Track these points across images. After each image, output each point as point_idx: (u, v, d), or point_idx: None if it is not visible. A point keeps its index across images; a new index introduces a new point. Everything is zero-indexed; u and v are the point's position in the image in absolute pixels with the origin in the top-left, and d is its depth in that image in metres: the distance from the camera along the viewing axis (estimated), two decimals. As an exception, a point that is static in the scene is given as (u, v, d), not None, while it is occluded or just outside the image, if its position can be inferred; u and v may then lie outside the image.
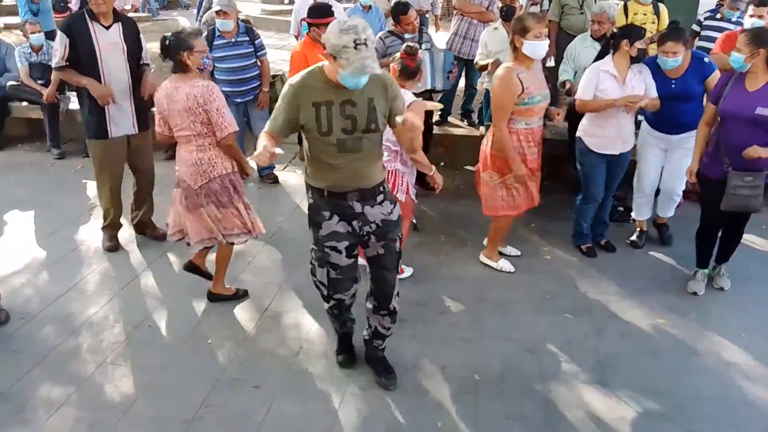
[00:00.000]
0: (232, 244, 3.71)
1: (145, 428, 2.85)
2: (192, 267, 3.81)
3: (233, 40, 5.20)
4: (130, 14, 8.39)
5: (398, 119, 2.54)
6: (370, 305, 3.04)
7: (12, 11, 9.93)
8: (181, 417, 2.90)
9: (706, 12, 5.69)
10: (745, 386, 3.15)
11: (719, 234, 3.92)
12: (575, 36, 5.91)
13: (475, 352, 3.37)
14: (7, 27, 10.45)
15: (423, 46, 4.83)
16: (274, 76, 5.81)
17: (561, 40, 6.09)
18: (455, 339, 3.49)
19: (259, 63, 5.29)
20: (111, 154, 4.25)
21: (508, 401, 3.02)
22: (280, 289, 3.95)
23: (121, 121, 4.18)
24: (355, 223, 2.80)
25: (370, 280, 2.99)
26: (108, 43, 4.02)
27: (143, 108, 4.25)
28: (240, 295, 3.84)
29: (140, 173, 4.44)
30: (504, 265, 4.21)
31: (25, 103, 6.45)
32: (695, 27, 5.70)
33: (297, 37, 6.55)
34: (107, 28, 4.01)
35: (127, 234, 4.62)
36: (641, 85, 4.01)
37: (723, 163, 3.57)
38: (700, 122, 3.79)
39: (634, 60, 3.99)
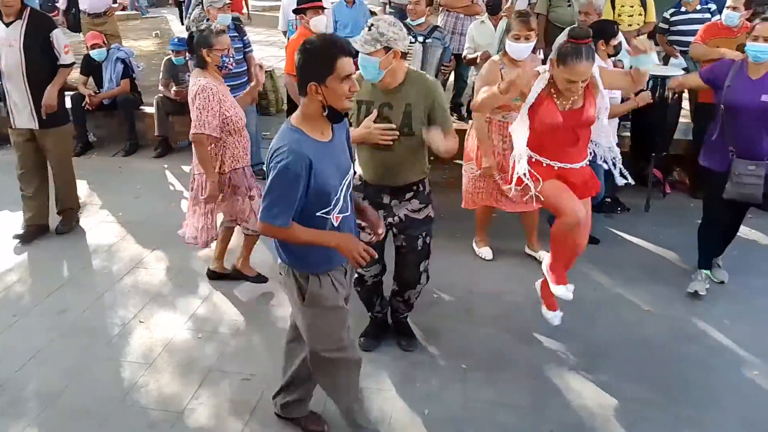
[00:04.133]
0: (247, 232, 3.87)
1: (138, 419, 2.87)
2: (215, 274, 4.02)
3: (224, 36, 5.22)
4: (118, 12, 8.33)
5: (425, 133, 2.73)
6: (393, 287, 3.26)
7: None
8: (173, 408, 2.93)
9: (670, 8, 5.71)
10: (730, 372, 3.20)
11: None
12: (564, 29, 5.95)
13: (465, 341, 3.41)
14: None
15: (419, 39, 4.85)
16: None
17: (550, 33, 6.12)
18: (445, 328, 3.52)
19: (246, 59, 5.32)
20: (15, 142, 4.48)
21: (496, 389, 3.06)
22: (271, 281, 3.98)
23: (19, 115, 4.34)
24: (380, 212, 2.96)
25: (395, 264, 3.17)
26: (4, 38, 4.17)
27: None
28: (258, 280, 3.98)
29: (52, 168, 4.58)
30: (483, 252, 4.28)
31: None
32: (662, 24, 5.72)
33: (285, 33, 6.57)
34: (7, 25, 4.16)
35: (118, 230, 4.66)
36: None
37: (728, 152, 3.54)
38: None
39: (610, 56, 4.04)
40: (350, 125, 2.75)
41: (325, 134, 2.26)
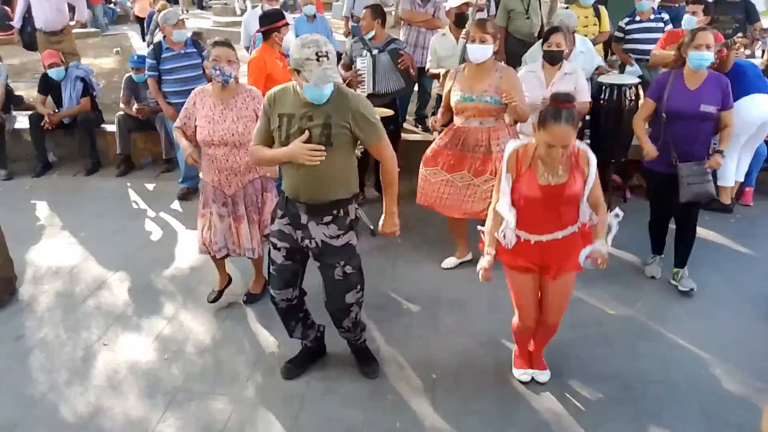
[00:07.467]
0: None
1: (103, 445, 2.83)
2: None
3: (182, 51, 5.21)
4: (77, 30, 8.22)
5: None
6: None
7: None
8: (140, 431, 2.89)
9: (625, 17, 5.91)
10: (687, 367, 3.29)
11: (669, 228, 4.13)
12: (523, 40, 6.09)
13: (432, 350, 3.44)
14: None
15: (373, 52, 4.88)
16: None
17: (510, 44, 6.25)
18: (412, 338, 3.55)
19: (205, 76, 5.30)
20: None
21: (464, 396, 3.09)
22: (237, 299, 3.96)
23: None
24: (298, 233, 2.90)
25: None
26: None
27: None
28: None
29: None
30: (446, 262, 4.36)
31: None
32: (618, 33, 5.93)
33: (248, 49, 6.58)
34: None
35: (81, 251, 4.57)
36: (568, 87, 4.09)
37: (671, 158, 3.73)
38: (637, 117, 3.97)
39: (556, 61, 4.20)
40: (274, 140, 2.81)
41: None
